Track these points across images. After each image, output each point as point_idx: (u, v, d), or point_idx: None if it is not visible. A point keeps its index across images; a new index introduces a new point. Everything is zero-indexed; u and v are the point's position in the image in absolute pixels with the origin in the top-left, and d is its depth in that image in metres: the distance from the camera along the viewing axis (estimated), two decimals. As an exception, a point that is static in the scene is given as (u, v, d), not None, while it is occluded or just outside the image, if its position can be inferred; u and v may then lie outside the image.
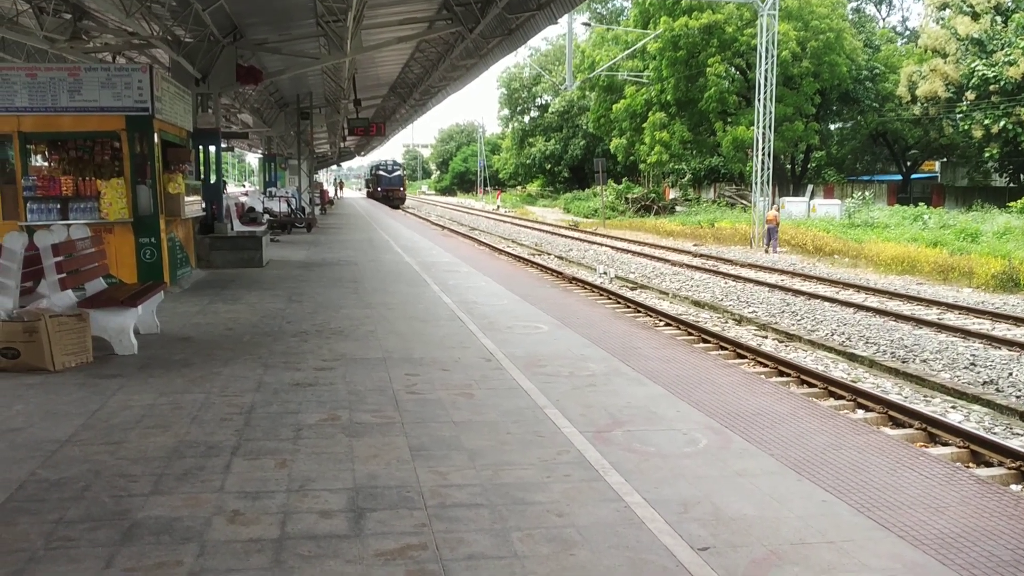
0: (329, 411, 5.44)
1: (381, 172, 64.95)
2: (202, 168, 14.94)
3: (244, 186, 79.74)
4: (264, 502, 3.92)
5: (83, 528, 3.61)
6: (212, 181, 15.37)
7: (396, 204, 58.80)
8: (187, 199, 11.78)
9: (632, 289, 17.84)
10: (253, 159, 72.00)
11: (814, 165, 49.11)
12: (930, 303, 15.40)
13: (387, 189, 62.57)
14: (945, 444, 7.42)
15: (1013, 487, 6.49)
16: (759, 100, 28.38)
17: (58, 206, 10.11)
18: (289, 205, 26.23)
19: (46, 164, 11.46)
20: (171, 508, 3.83)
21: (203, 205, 14.06)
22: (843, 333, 12.67)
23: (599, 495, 4.07)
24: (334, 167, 74.13)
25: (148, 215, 10.39)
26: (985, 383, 9.75)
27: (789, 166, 47.24)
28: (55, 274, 7.12)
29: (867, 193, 39.74)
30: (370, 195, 72.02)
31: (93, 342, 6.86)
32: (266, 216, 22.02)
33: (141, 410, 5.41)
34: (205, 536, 3.54)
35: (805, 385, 9.43)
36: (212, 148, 15.52)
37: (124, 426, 5.06)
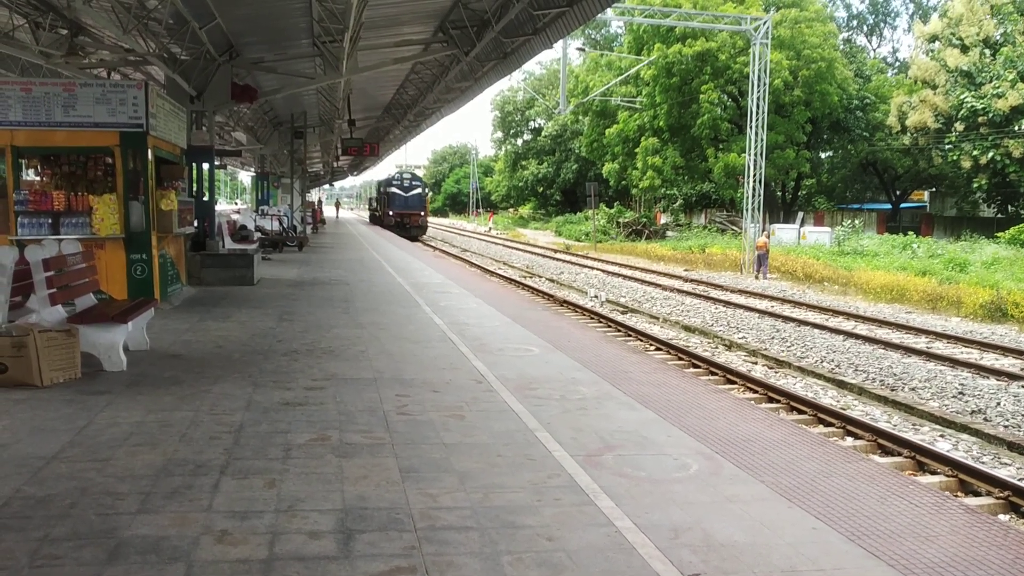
0: (319, 431, 5.41)
1: (394, 189, 45.45)
2: (195, 185, 14.94)
3: (236, 204, 79.64)
4: (253, 522, 3.89)
5: (69, 546, 3.57)
6: (205, 198, 15.37)
7: (415, 234, 43.16)
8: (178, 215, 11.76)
9: (623, 313, 17.86)
10: (246, 177, 71.80)
11: (804, 192, 49.51)
12: (919, 332, 15.47)
13: (401, 213, 44.43)
14: (934, 473, 7.43)
15: (1001, 517, 6.50)
16: (751, 127, 28.61)
17: (49, 221, 10.07)
18: (281, 223, 26.24)
19: (38, 179, 11.43)
20: (158, 527, 3.79)
21: (195, 222, 14.04)
22: (833, 360, 12.70)
23: (589, 519, 4.05)
24: (326, 186, 73.53)
25: (140, 231, 10.36)
26: (973, 412, 9.78)
27: (780, 193, 47.60)
28: (45, 289, 7.08)
29: (857, 221, 40.07)
30: (375, 219, 54.50)
31: (82, 358, 6.81)
32: (258, 234, 22.01)
33: (129, 427, 5.37)
34: (192, 556, 3.51)
35: (795, 412, 9.45)
36: (205, 165, 15.53)
37: (112, 443, 5.02)
